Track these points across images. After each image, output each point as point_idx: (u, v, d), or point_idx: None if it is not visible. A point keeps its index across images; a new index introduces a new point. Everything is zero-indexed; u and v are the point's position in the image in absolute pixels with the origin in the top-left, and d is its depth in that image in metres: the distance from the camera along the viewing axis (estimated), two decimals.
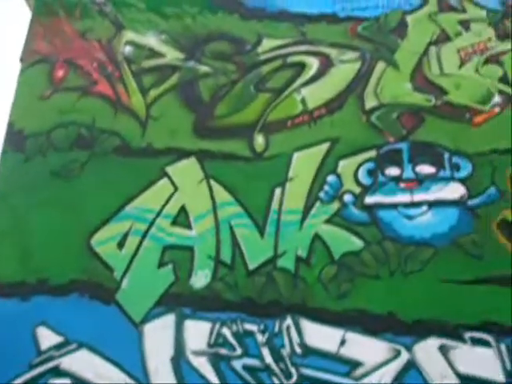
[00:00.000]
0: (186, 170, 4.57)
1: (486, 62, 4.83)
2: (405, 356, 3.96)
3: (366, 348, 3.95)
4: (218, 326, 3.99)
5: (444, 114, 4.64)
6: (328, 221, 4.32)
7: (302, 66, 4.91)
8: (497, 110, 4.62)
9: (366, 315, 4.06)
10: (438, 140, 4.51)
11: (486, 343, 4.06)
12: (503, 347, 3.92)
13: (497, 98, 4.67)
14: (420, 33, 4.98)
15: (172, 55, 5.06)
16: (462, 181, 4.35)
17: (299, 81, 4.90)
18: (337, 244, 4.22)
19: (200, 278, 4.17)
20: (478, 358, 4.00)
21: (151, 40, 5.15)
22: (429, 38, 4.95)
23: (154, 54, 5.10)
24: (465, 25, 5.03)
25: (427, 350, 3.94)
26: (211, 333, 3.99)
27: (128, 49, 5.14)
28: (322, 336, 3.97)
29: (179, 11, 5.20)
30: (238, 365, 3.91)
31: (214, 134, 4.67)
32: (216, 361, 3.94)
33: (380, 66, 4.88)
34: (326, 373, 3.91)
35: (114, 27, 5.25)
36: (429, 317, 4.09)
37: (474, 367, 4.00)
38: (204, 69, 4.96)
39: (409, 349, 3.97)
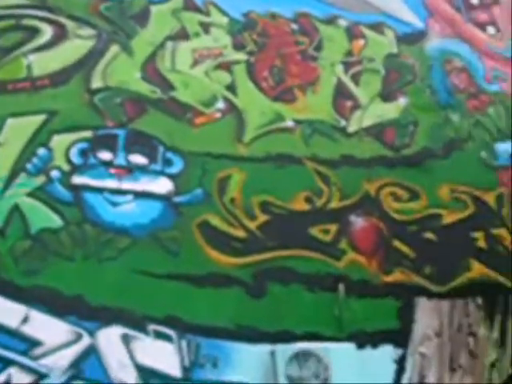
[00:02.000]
0: None
1: (218, 67, 6.55)
2: (86, 341, 5.12)
3: (49, 328, 4.99)
4: None
5: (167, 109, 6.20)
6: (31, 194, 5.31)
7: (35, 31, 5.92)
8: (218, 115, 6.39)
9: (54, 295, 5.14)
10: (156, 133, 6.00)
11: (168, 337, 5.39)
12: (184, 343, 5.35)
13: (220, 104, 6.41)
14: (161, 25, 6.57)
15: None
16: (172, 177, 5.88)
17: (29, 46, 5.89)
18: (36, 219, 5.25)
19: None
20: (159, 352, 5.33)
21: None
22: (168, 31, 6.54)
23: None
24: (205, 27, 6.78)
25: (109, 338, 5.14)
26: None
27: None
28: (3, 310, 4.83)
29: None
30: None
31: None
32: None
33: (114, 48, 6.25)
34: (4, 349, 4.77)
35: None
36: (116, 305, 5.30)
37: (154, 360, 5.31)
38: None
39: (91, 334, 5.14)
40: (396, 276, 6.45)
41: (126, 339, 5.34)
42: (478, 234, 7.03)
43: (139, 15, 6.61)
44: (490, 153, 7.58)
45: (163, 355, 5.44)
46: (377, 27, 8.07)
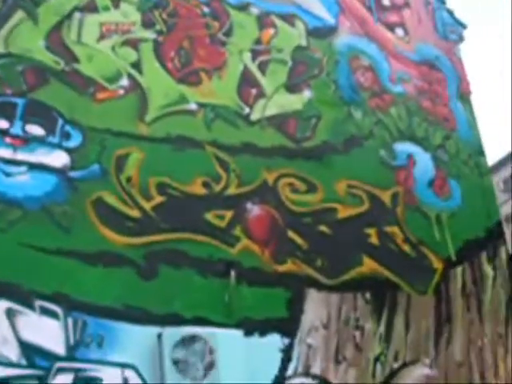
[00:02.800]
0: None
1: (125, 43, 7.18)
2: None
3: None
4: None
5: (69, 82, 6.77)
6: None
7: None
8: (121, 91, 7.02)
9: None
10: (56, 105, 6.53)
11: (54, 314, 5.85)
12: (70, 321, 5.84)
13: (124, 81, 7.06)
14: None
15: None
16: (69, 151, 6.42)
17: None
18: None
19: None
20: (44, 328, 5.72)
21: None
22: (77, 2, 7.18)
23: None
24: (116, 2, 7.42)
25: None
26: None
27: None
28: None
29: None
30: None
31: None
32: None
33: (20, 14, 6.77)
34: None
35: None
36: (2, 278, 5.72)
37: (39, 336, 5.67)
38: None
39: None
40: (288, 266, 7.21)
41: (10, 314, 5.64)
42: (372, 231, 8.00)
43: None
44: (389, 152, 8.64)
45: (48, 332, 5.77)
46: (288, 18, 8.99)
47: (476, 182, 9.13)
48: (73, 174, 6.49)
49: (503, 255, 8.75)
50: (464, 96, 10.26)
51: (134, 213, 6.64)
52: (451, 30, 11.06)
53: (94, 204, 6.48)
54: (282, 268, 7.18)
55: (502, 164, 29.87)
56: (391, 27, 9.95)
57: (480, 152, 9.74)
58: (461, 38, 11.29)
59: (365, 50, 9.28)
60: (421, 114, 9.31)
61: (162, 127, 7.19)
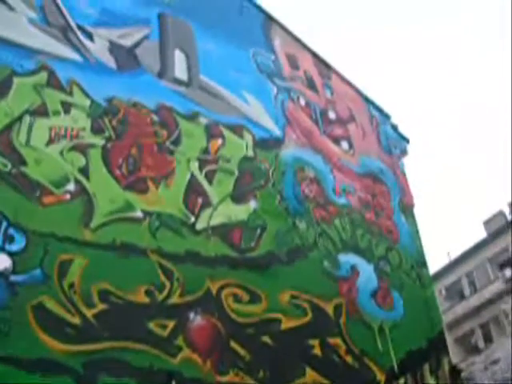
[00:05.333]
0: None
1: (73, 148, 7.85)
2: None
3: None
4: None
5: (16, 184, 7.32)
6: None
7: None
8: (67, 196, 7.61)
9: None
10: (0, 207, 7.04)
11: None
12: None
13: (71, 186, 7.69)
14: (21, 98, 7.83)
15: None
16: (12, 254, 6.90)
17: None
18: None
19: None
20: None
21: None
22: (27, 105, 7.76)
23: None
24: (66, 107, 8.09)
25: None
26: None
27: None
28: None
29: None
30: None
31: None
32: None
33: None
34: None
35: None
36: None
37: None
38: None
39: None
40: (230, 377, 7.73)
41: None
42: (315, 342, 8.67)
43: (0, 84, 7.72)
44: (333, 263, 9.41)
45: None
46: (236, 129, 9.93)
47: (418, 293, 9.91)
48: (14, 277, 6.87)
49: (446, 366, 9.37)
50: (407, 208, 11.20)
51: (75, 320, 7.01)
52: (395, 144, 12.18)
53: (35, 309, 6.82)
54: (223, 379, 7.65)
55: (445, 271, 31.14)
56: (337, 140, 10.90)
57: (422, 263, 10.61)
58: (404, 152, 12.42)
59: (310, 161, 10.17)
60: (364, 225, 10.15)
61: (106, 234, 7.71)
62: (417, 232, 11.30)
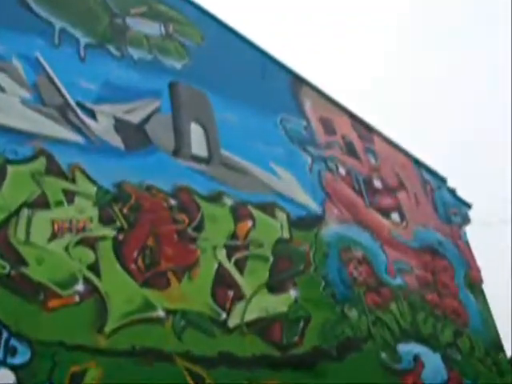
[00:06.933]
0: None
1: (80, 243, 7.75)
2: None
3: None
4: None
5: (16, 288, 7.13)
6: None
7: None
8: (76, 298, 7.43)
9: None
10: (0, 315, 6.85)
11: None
12: None
13: (80, 286, 7.49)
14: (17, 189, 7.72)
15: None
16: (15, 368, 6.74)
17: None
18: None
19: None
20: None
21: None
22: (25, 197, 7.70)
23: None
24: (69, 196, 8.02)
25: None
26: None
27: None
28: None
29: None
30: None
31: None
32: None
33: None
34: None
35: None
36: None
37: None
38: None
39: None
40: None
41: None
42: None
43: None
44: (392, 354, 9.04)
45: None
46: (267, 208, 9.68)
47: (496, 382, 9.42)
48: None
49: None
50: (474, 285, 10.83)
51: None
52: (454, 211, 11.90)
53: None
54: None
55: None
56: (385, 212, 10.67)
57: (498, 347, 10.13)
58: (466, 220, 12.11)
59: (357, 239, 9.90)
60: (426, 308, 9.77)
61: (124, 339, 7.46)
62: (488, 311, 10.88)
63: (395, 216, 11.09)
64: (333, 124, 12.18)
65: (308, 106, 11.94)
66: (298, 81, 12.38)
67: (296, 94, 12.09)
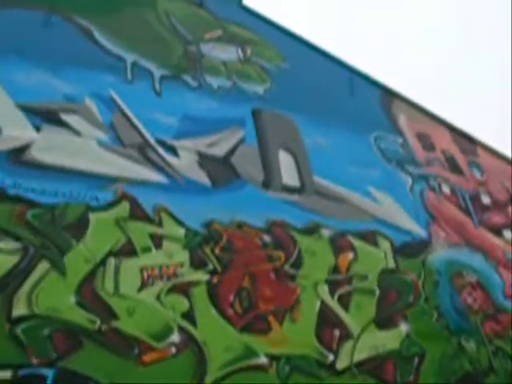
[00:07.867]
0: None
1: (172, 290, 7.40)
2: None
3: None
4: None
5: (108, 343, 6.91)
6: None
7: None
8: (172, 350, 7.12)
9: None
10: (92, 373, 6.66)
11: None
12: None
13: (175, 337, 7.18)
14: (101, 237, 7.47)
15: None
16: None
17: None
18: None
19: None
20: None
21: None
22: (110, 245, 7.42)
23: None
24: (157, 240, 7.72)
25: None
26: None
27: None
28: None
29: None
30: None
31: None
32: None
33: (43, 265, 7.08)
34: None
35: None
36: None
37: None
38: None
39: None
40: None
41: None
42: None
43: (75, 225, 7.47)
44: None
45: None
46: (369, 237, 9.21)
47: None
48: None
49: None
50: None
51: None
52: None
53: None
54: None
55: None
56: (497, 230, 10.04)
57: None
58: None
59: (468, 263, 9.33)
60: None
61: None
62: None
63: (507, 234, 10.41)
64: (431, 138, 11.61)
65: (402, 120, 11.37)
66: (388, 94, 11.78)
67: (388, 108, 11.55)
